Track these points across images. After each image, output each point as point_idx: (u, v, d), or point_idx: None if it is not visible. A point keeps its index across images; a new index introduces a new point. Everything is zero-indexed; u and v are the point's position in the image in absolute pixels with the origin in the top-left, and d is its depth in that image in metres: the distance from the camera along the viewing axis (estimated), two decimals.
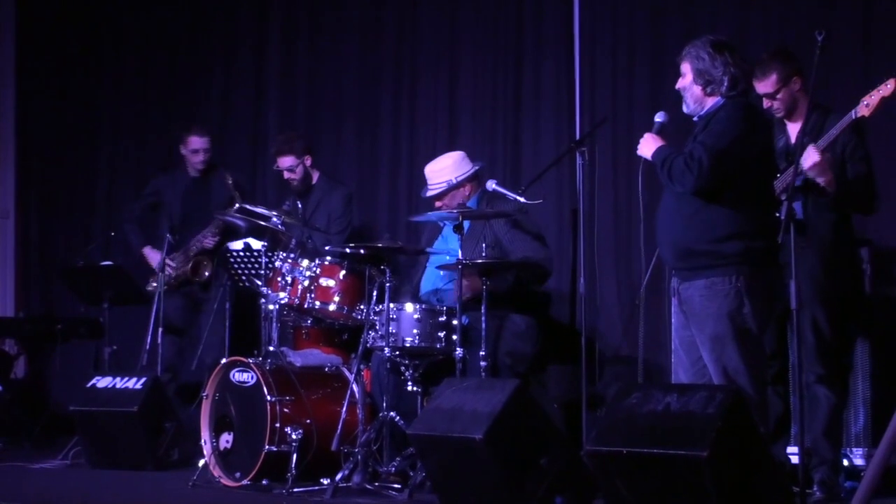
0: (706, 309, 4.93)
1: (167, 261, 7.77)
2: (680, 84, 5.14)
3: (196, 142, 7.99)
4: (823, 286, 5.39)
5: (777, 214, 5.06)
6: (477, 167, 6.59)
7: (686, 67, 5.10)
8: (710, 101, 5.06)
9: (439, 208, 6.48)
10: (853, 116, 5.28)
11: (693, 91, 5.09)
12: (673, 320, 5.18)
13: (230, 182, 7.60)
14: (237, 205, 7.33)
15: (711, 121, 4.99)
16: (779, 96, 5.52)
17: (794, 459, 5.40)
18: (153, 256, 7.92)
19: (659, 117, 5.24)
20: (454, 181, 6.51)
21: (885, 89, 5.24)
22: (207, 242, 7.82)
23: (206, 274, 7.79)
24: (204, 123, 8.51)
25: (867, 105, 5.25)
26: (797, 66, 5.51)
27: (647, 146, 5.13)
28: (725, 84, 5.01)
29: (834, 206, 5.40)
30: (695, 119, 5.13)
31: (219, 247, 7.66)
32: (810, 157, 5.23)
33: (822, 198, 5.36)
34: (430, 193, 6.60)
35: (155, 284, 7.75)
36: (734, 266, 4.89)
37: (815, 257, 5.36)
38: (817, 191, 5.34)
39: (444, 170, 6.54)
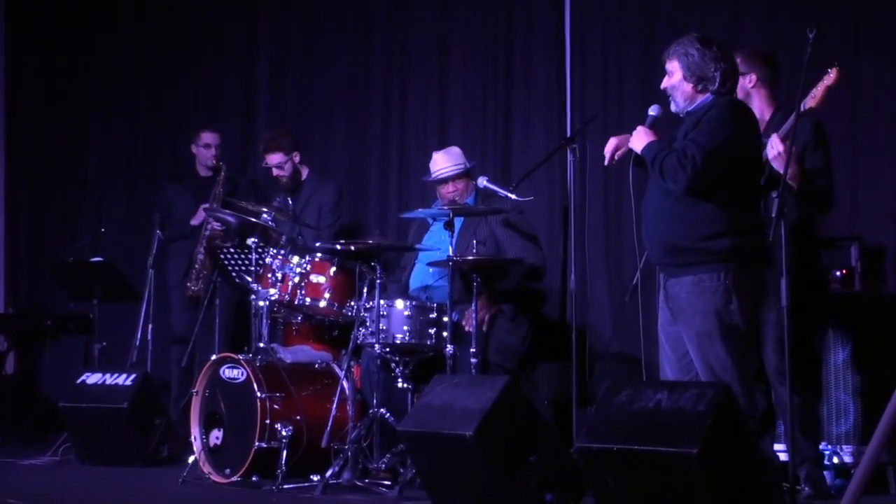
0: (693, 305, 4.92)
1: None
2: (666, 83, 5.10)
3: (208, 136, 8.08)
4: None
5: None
6: (471, 163, 6.62)
7: (674, 66, 5.06)
8: (701, 98, 5.04)
9: (449, 193, 6.49)
10: (801, 108, 5.24)
11: (683, 89, 5.05)
12: (659, 316, 5.17)
13: (223, 172, 7.78)
14: (223, 173, 7.81)
15: (703, 119, 4.95)
16: None
17: (783, 457, 5.40)
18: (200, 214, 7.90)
19: (652, 111, 5.20)
20: (468, 165, 6.54)
21: (828, 79, 5.24)
22: (215, 224, 7.77)
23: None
24: (194, 122, 8.53)
25: (813, 97, 5.25)
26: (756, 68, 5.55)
27: (639, 140, 5.09)
28: (717, 80, 5.00)
29: (797, 201, 5.36)
30: (682, 115, 5.11)
31: (227, 230, 7.67)
32: (774, 146, 5.22)
33: (788, 194, 5.31)
34: (447, 174, 6.50)
35: (195, 288, 7.75)
36: (722, 263, 4.88)
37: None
38: (785, 187, 5.29)
39: (458, 155, 6.58)
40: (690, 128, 4.97)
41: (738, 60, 5.41)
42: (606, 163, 5.39)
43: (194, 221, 7.90)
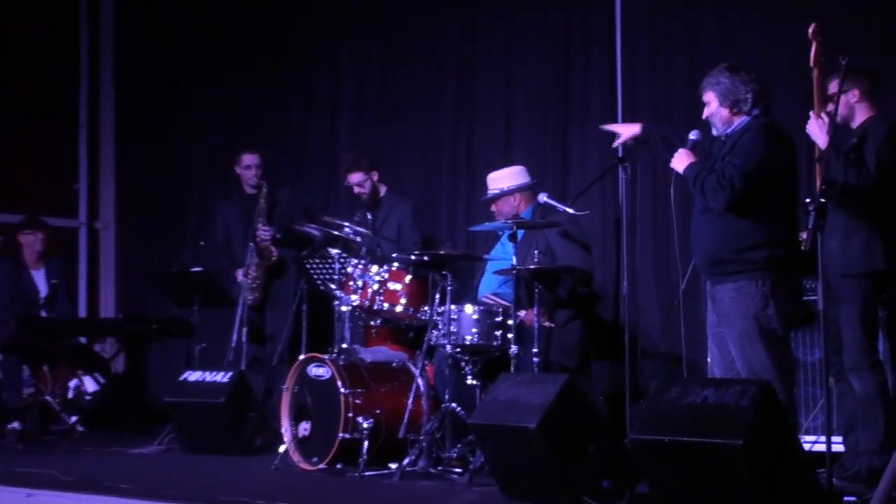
0: (734, 310, 4.98)
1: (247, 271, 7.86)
2: (706, 113, 5.18)
3: (248, 158, 8.10)
4: (844, 276, 5.20)
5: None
6: (528, 182, 6.63)
7: (709, 96, 5.15)
8: (737, 120, 5.11)
9: (494, 211, 6.60)
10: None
11: (721, 114, 5.13)
12: (707, 319, 5.21)
13: (264, 189, 7.84)
14: (264, 190, 7.84)
15: (739, 141, 5.01)
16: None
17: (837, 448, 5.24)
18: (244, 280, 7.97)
19: (692, 135, 5.25)
20: (505, 189, 6.59)
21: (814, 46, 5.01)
22: (262, 234, 7.87)
23: (274, 253, 7.84)
24: (285, 143, 8.61)
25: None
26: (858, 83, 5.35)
27: (681, 161, 5.16)
28: (750, 101, 5.05)
29: (832, 184, 5.06)
30: (722, 138, 5.14)
31: (275, 237, 7.80)
32: (810, 122, 5.10)
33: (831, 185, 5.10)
34: (486, 198, 6.71)
35: (250, 297, 7.83)
36: (759, 271, 4.93)
37: (835, 245, 5.18)
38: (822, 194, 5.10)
39: (501, 179, 6.65)
40: (728, 150, 5.03)
41: (836, 80, 5.16)
42: (616, 140, 5.65)
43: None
